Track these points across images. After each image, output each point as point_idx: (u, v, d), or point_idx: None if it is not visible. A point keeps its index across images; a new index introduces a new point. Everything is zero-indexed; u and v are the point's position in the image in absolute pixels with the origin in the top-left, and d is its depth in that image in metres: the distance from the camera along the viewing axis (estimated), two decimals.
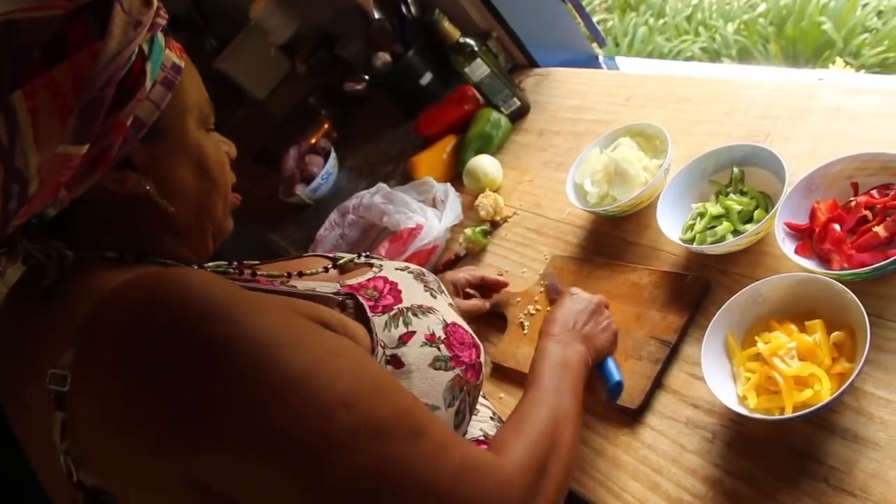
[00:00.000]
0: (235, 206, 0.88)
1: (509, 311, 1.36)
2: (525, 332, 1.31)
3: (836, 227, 1.00)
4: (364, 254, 1.03)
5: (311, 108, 2.56)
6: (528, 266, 1.45)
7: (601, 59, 2.04)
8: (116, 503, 0.67)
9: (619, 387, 1.05)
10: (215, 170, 0.81)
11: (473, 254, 1.58)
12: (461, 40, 1.70)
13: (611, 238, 1.36)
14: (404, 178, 1.87)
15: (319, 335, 0.70)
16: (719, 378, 0.97)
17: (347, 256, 1.01)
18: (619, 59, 2.16)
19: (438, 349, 0.83)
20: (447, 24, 1.69)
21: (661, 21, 4.00)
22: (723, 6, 3.85)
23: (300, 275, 0.90)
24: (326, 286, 0.83)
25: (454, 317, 0.90)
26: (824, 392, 0.87)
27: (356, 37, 2.19)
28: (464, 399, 0.85)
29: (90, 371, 0.64)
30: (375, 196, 1.74)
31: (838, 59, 3.19)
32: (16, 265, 0.74)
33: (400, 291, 0.88)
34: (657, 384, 1.09)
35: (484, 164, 1.66)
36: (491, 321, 1.40)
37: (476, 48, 1.69)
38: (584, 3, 2.10)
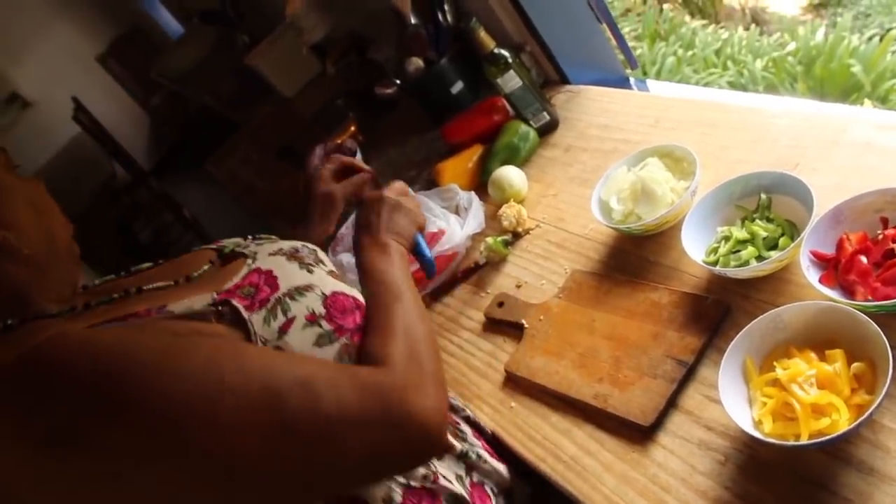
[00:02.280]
0: (71, 229, 0.95)
1: (527, 320, 1.36)
2: (539, 342, 1.31)
3: (863, 258, 1.00)
4: (251, 236, 1.11)
5: (338, 110, 2.57)
6: (548, 279, 1.45)
7: (632, 80, 2.04)
8: None
9: (431, 264, 1.18)
10: (43, 202, 0.90)
11: (493, 263, 1.58)
12: (495, 51, 1.71)
13: (633, 256, 1.36)
14: (429, 184, 1.88)
15: (194, 352, 0.77)
16: (735, 401, 0.96)
17: (230, 244, 1.08)
18: (650, 82, 2.17)
19: (320, 325, 0.90)
20: (482, 34, 1.71)
21: (689, 52, 4.02)
22: (752, 42, 3.86)
23: (187, 279, 0.95)
24: (202, 300, 0.87)
25: (333, 286, 0.97)
26: (842, 422, 0.87)
27: (389, 41, 2.20)
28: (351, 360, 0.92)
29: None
30: None
31: (866, 101, 3.19)
32: None
33: (276, 278, 0.93)
34: (671, 404, 1.09)
35: (510, 174, 1.67)
36: (506, 330, 1.40)
37: (510, 60, 1.70)
38: None
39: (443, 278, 1.60)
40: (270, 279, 0.93)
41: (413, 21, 1.94)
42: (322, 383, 0.79)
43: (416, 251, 1.16)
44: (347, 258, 1.64)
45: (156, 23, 7.11)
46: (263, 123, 3.21)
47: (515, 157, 1.75)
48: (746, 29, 4.08)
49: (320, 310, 0.91)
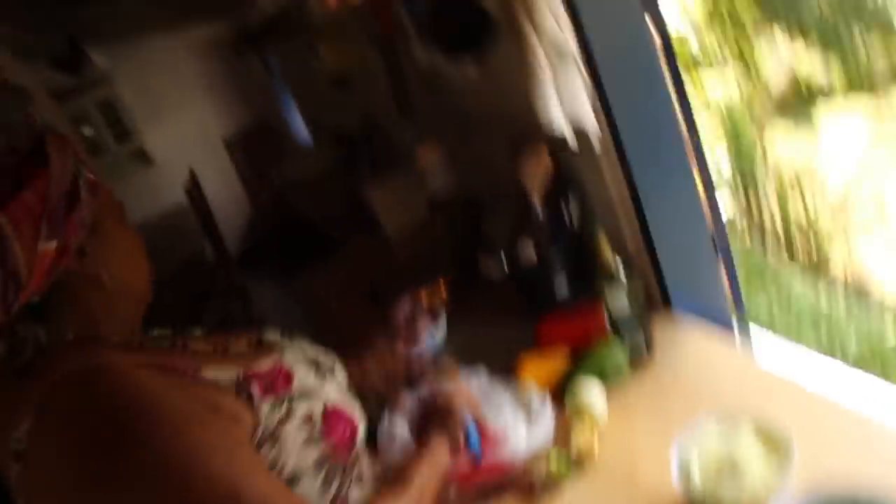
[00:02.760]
0: (150, 278, 1.11)
1: None
2: None
3: None
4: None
5: (435, 266, 2.55)
6: None
7: (734, 323, 1.97)
8: None
9: (476, 457, 1.28)
10: (132, 255, 1.07)
11: (548, 479, 1.46)
12: (612, 262, 1.67)
13: None
14: (505, 372, 1.79)
15: (203, 431, 0.89)
16: None
17: (270, 334, 1.24)
18: (754, 330, 2.09)
19: (312, 430, 1.03)
20: (603, 240, 1.67)
21: (785, 308, 3.94)
22: (851, 312, 3.75)
23: (224, 351, 1.11)
24: (229, 374, 1.01)
25: (335, 399, 1.11)
26: None
27: (506, 216, 2.20)
28: (332, 470, 1.05)
29: (39, 440, 0.87)
30: (471, 379, 1.67)
31: None
32: None
33: (291, 378, 1.08)
34: None
35: (591, 396, 1.58)
36: None
37: (624, 276, 1.65)
38: None
39: (490, 482, 1.49)
40: (286, 378, 1.07)
41: (536, 205, 1.92)
42: None
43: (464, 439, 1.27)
44: (400, 427, 1.56)
45: (287, 125, 7.44)
46: (357, 252, 3.22)
47: (601, 378, 1.66)
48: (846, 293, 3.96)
49: (317, 416, 1.05)
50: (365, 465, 1.19)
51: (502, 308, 2.14)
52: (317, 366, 1.17)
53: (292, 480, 1.00)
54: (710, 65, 4.64)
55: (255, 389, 1.01)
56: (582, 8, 1.66)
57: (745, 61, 4.52)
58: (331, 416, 1.07)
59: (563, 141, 1.72)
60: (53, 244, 0.92)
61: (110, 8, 4.69)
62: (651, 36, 1.80)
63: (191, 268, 4.99)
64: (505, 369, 1.83)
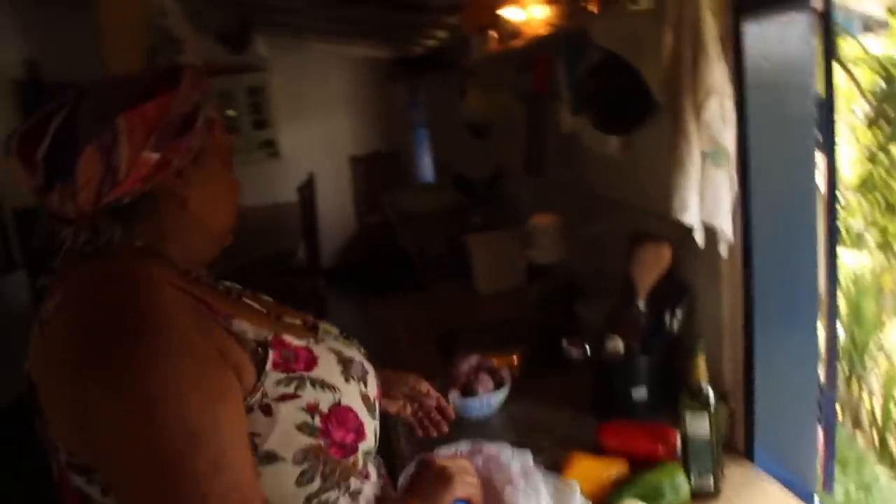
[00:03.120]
0: (233, 224, 1.14)
1: None
2: None
3: None
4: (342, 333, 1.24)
5: (515, 333, 2.46)
6: None
7: (816, 501, 1.77)
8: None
9: None
10: (222, 196, 1.10)
11: None
12: (703, 385, 1.52)
13: None
14: (553, 463, 1.65)
15: (195, 368, 0.88)
16: None
17: (326, 326, 1.22)
18: None
19: (312, 418, 0.98)
20: (701, 360, 1.52)
21: None
22: None
23: (277, 317, 1.12)
24: (257, 333, 1.00)
25: (353, 402, 1.05)
26: None
27: (604, 303, 2.08)
28: (317, 466, 0.98)
29: (57, 315, 0.93)
30: (514, 461, 1.53)
31: None
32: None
33: (314, 365, 1.04)
34: None
35: None
36: None
37: (711, 405, 1.50)
38: None
39: None
40: (310, 362, 1.03)
41: (638, 303, 1.80)
42: (231, 486, 0.85)
43: None
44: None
45: (415, 157, 7.53)
46: (442, 296, 3.15)
47: (655, 502, 1.50)
48: None
49: (324, 408, 1.00)
50: (368, 485, 1.12)
51: (571, 396, 2.00)
52: (347, 365, 1.10)
53: (267, 457, 0.95)
54: (849, 230, 4.43)
55: (272, 356, 0.99)
56: (752, 112, 1.55)
57: (887, 237, 4.30)
58: (337, 414, 1.02)
59: (689, 240, 1.60)
60: (156, 156, 0.97)
61: (288, 1, 4.86)
62: (815, 173, 1.67)
63: (280, 262, 5.02)
64: (553, 460, 1.69)
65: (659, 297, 1.83)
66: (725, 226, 1.56)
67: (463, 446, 1.60)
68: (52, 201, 0.96)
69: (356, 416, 1.04)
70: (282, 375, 0.98)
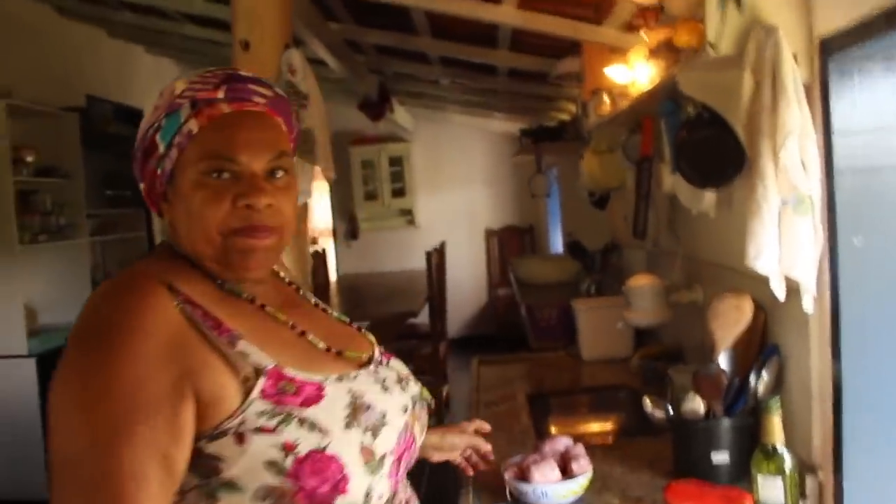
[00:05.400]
0: (235, 248, 1.01)
1: None
2: None
3: None
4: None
5: (612, 399, 2.40)
6: None
7: None
8: None
9: None
10: (194, 214, 0.99)
11: None
12: (777, 447, 1.42)
13: None
14: None
15: (133, 396, 0.86)
16: None
17: (398, 365, 1.18)
18: None
19: (284, 459, 0.90)
20: (776, 420, 1.43)
21: None
22: None
23: (338, 353, 1.08)
24: (263, 357, 0.95)
25: (344, 451, 0.94)
26: None
27: (693, 364, 1.99)
28: None
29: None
30: None
31: None
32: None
33: (314, 403, 0.96)
34: None
35: None
36: None
37: (787, 466, 1.39)
38: None
39: None
40: (314, 399, 0.96)
41: (718, 360, 1.70)
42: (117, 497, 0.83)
43: None
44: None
45: (545, 229, 7.54)
46: (548, 363, 3.10)
47: None
48: None
49: (302, 451, 0.91)
50: None
51: (654, 458, 1.90)
52: (358, 411, 1.00)
53: (226, 485, 0.90)
54: None
55: (263, 384, 0.93)
56: (839, 159, 1.47)
57: None
58: (315, 461, 0.92)
59: (772, 296, 1.52)
60: (143, 184, 1.06)
61: (425, 70, 5.07)
62: None
63: (400, 322, 5.11)
64: None
65: (745, 355, 1.73)
66: (808, 278, 1.47)
67: None
68: None
69: (340, 468, 0.94)
70: (268, 406, 0.92)
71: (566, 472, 1.71)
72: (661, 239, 2.71)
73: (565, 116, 5.23)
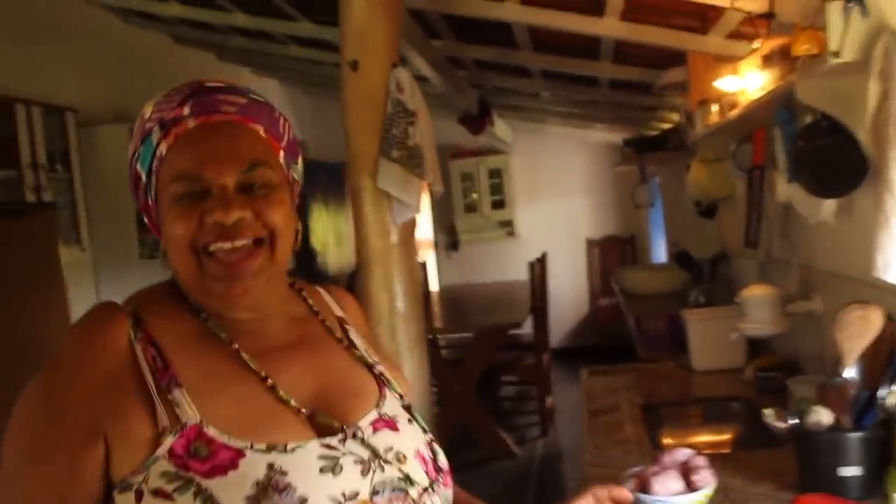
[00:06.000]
0: (217, 276, 0.93)
1: None
2: None
3: None
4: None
5: (726, 411, 2.38)
6: None
7: None
8: None
9: None
10: (169, 238, 0.94)
11: None
12: None
13: None
14: None
15: (46, 438, 0.86)
16: None
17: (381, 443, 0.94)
18: None
19: None
20: None
21: None
22: None
23: (310, 416, 0.92)
24: (189, 413, 0.85)
25: None
26: None
27: (818, 379, 1.95)
28: None
29: None
30: None
31: None
32: None
33: (222, 473, 0.82)
34: None
35: None
36: None
37: None
38: None
39: None
40: (225, 469, 0.83)
41: (846, 372, 1.67)
42: None
43: None
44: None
45: (648, 238, 7.45)
46: (658, 374, 3.08)
47: None
48: None
49: None
50: None
51: (775, 471, 1.87)
52: (268, 492, 0.82)
53: None
54: None
55: (171, 443, 0.83)
56: None
57: None
58: None
59: None
60: (145, 219, 1.02)
61: (525, 84, 5.11)
62: None
63: (503, 332, 5.14)
64: None
65: (874, 367, 1.70)
66: None
67: None
68: None
69: None
70: (170, 468, 0.82)
71: (688, 484, 1.70)
72: (773, 248, 2.67)
73: (667, 125, 5.17)
